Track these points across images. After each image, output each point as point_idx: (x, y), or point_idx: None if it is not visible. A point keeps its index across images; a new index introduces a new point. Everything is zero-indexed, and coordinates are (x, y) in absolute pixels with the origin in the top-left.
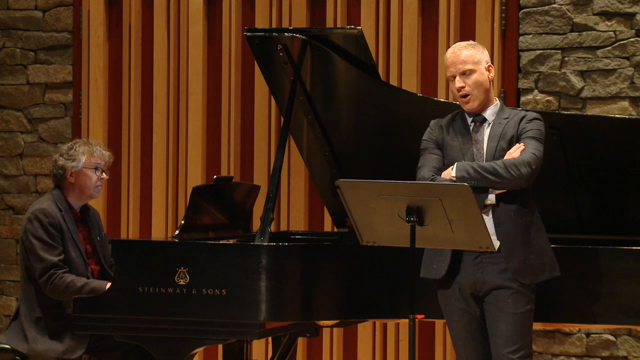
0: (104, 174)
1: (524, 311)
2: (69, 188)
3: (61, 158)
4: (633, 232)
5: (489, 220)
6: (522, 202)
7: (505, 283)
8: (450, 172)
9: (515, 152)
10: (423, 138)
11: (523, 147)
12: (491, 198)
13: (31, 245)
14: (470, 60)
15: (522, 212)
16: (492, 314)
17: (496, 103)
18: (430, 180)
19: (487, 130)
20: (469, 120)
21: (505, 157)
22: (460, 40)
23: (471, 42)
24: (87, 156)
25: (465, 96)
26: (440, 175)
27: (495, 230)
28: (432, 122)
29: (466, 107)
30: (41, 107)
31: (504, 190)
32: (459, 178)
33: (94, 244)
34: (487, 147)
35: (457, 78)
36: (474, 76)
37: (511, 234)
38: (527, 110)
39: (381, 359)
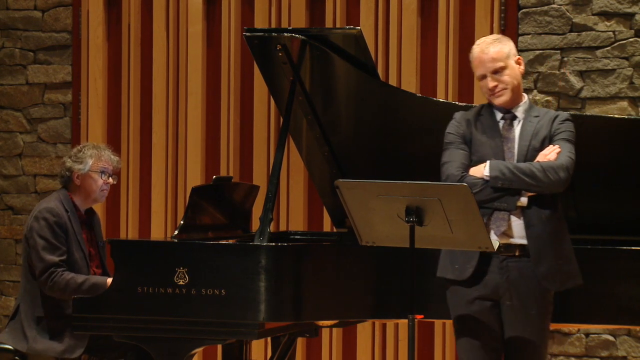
0: (110, 178)
1: (545, 319)
2: (76, 190)
3: (69, 160)
4: (633, 232)
5: (519, 222)
6: (554, 206)
7: (529, 289)
8: (482, 170)
9: (550, 153)
10: (448, 131)
11: (559, 149)
12: (523, 200)
13: (35, 244)
14: (500, 57)
15: (553, 216)
16: (512, 318)
17: (525, 100)
18: (460, 178)
19: (517, 128)
20: (499, 116)
21: (538, 158)
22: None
23: (496, 36)
24: (95, 160)
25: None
26: (468, 172)
27: (526, 233)
28: (457, 114)
29: (497, 101)
30: (40, 107)
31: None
32: (493, 178)
33: (97, 247)
34: (518, 146)
35: (489, 77)
36: (506, 72)
37: (541, 238)
38: (556, 110)
39: (380, 359)
